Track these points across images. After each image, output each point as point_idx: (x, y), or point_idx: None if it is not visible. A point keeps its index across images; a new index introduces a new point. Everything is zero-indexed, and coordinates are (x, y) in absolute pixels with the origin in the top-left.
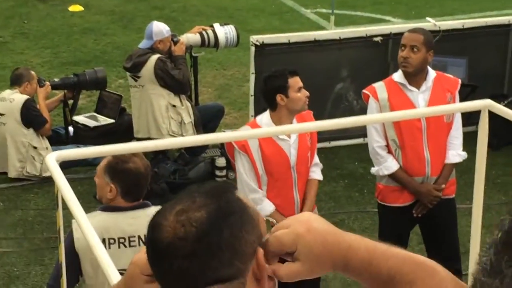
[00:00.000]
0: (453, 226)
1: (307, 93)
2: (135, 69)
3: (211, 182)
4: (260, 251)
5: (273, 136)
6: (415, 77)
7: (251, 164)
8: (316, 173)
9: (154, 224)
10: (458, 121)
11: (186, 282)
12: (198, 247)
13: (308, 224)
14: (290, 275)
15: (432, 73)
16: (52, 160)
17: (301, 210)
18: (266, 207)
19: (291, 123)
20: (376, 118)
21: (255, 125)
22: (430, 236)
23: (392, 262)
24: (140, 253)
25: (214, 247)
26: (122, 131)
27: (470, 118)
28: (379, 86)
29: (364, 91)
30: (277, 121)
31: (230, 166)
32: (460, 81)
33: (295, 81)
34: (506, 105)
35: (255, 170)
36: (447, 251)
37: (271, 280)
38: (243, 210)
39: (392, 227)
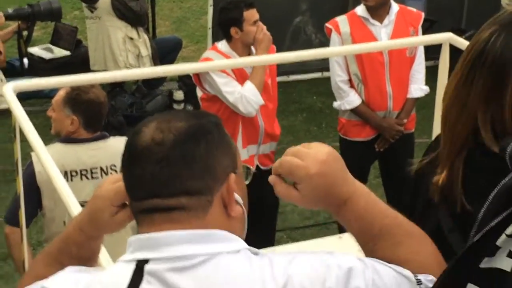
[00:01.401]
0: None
1: (264, 26)
2: (91, 0)
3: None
4: (233, 176)
5: None
6: (378, 11)
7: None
8: None
9: (136, 130)
10: (420, 56)
11: (155, 189)
12: (173, 153)
13: (322, 168)
14: (285, 196)
15: (395, 7)
16: (10, 91)
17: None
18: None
19: (248, 55)
20: (337, 50)
21: (216, 50)
22: (388, 169)
23: (388, 222)
24: (104, 186)
25: (188, 156)
26: (78, 63)
27: (428, 53)
28: (342, 20)
29: (326, 25)
30: (235, 51)
31: (188, 99)
32: (423, 15)
33: (251, 14)
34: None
35: None
36: (403, 184)
37: (240, 206)
38: (222, 134)
39: (354, 161)
